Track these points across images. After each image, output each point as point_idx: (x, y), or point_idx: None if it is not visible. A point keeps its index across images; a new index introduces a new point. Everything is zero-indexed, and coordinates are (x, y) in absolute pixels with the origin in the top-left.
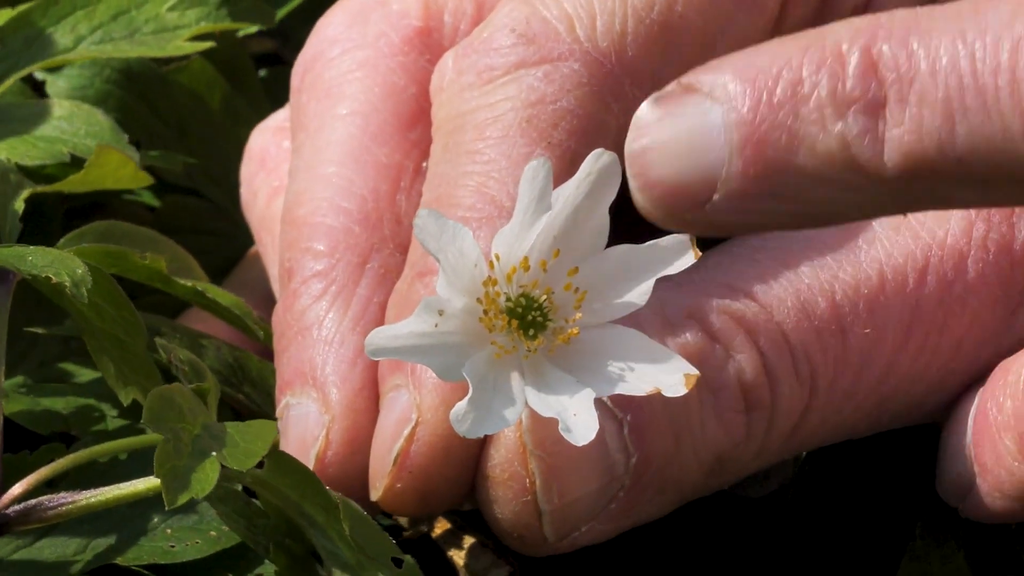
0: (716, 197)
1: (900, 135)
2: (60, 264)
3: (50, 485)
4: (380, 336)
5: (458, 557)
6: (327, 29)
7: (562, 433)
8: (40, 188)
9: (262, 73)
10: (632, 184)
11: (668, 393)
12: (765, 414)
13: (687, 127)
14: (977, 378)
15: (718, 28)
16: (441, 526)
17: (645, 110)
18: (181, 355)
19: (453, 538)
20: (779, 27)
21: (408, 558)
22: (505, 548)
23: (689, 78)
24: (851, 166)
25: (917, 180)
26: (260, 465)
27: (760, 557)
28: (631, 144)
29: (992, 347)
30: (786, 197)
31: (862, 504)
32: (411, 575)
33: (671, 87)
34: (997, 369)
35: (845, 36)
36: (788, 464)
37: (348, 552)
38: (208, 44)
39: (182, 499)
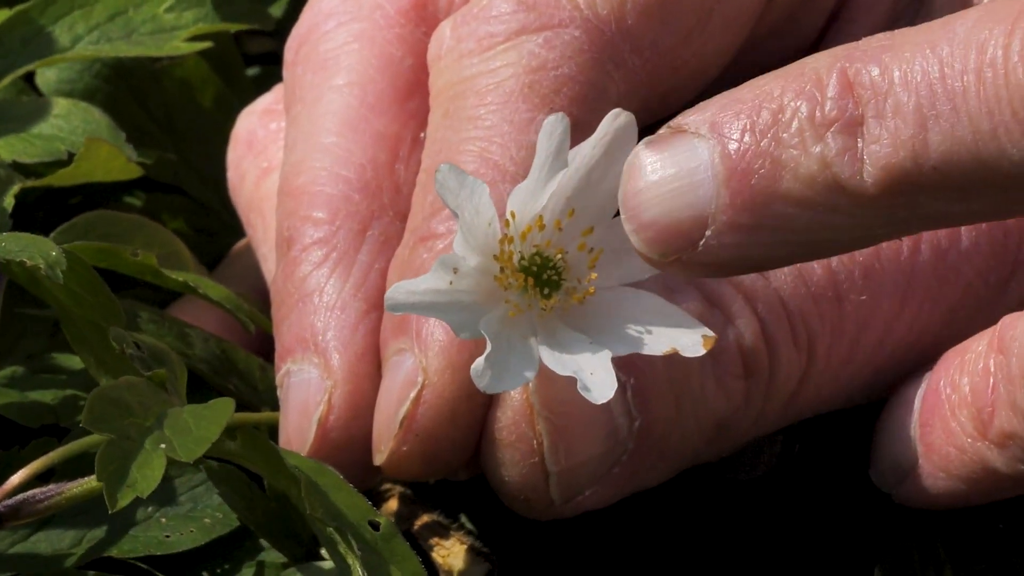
0: (708, 233)
1: (877, 150)
2: (34, 247)
3: (43, 479)
4: (399, 291)
5: (437, 554)
6: (321, 2)
7: (580, 392)
8: (30, 182)
9: (257, 70)
10: (627, 227)
11: (686, 353)
12: (763, 380)
13: (676, 167)
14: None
15: None
16: (421, 521)
17: (638, 154)
18: (142, 339)
19: (432, 534)
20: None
21: (384, 519)
22: (484, 546)
23: (678, 120)
24: (833, 186)
25: (899, 195)
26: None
27: (749, 540)
28: (625, 187)
29: (985, 317)
30: (776, 227)
31: (851, 487)
32: (388, 537)
33: (662, 130)
34: (948, 352)
35: (824, 63)
36: (778, 443)
37: (320, 525)
38: (205, 44)
39: (124, 500)
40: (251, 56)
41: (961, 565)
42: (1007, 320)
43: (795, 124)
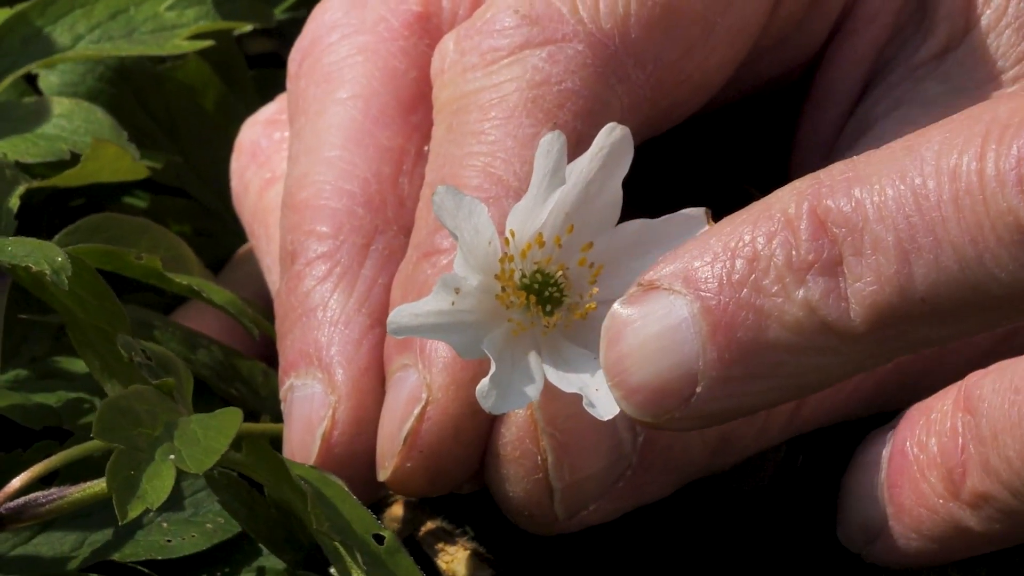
0: (699, 390)
1: (862, 288)
2: (39, 253)
3: (45, 482)
4: (402, 315)
5: (442, 560)
6: (325, 15)
7: (586, 408)
8: (36, 183)
9: (257, 72)
10: (615, 394)
11: None
12: None
13: (656, 326)
14: (972, 360)
15: (718, 10)
16: (426, 528)
17: (615, 316)
18: (149, 347)
19: (437, 540)
20: (776, 10)
21: (388, 533)
22: (487, 553)
23: (649, 275)
24: (821, 329)
25: (888, 328)
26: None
27: (753, 550)
28: (607, 353)
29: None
30: (767, 375)
31: None
32: (392, 551)
33: (634, 288)
34: (911, 411)
35: (790, 201)
36: (781, 454)
37: (326, 539)
38: (207, 43)
39: (134, 511)
40: (251, 57)
41: (964, 568)
42: (972, 379)
43: (773, 270)
